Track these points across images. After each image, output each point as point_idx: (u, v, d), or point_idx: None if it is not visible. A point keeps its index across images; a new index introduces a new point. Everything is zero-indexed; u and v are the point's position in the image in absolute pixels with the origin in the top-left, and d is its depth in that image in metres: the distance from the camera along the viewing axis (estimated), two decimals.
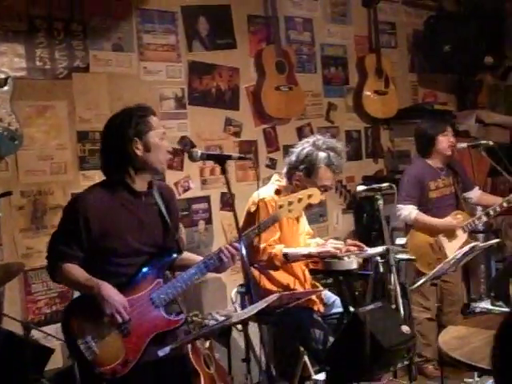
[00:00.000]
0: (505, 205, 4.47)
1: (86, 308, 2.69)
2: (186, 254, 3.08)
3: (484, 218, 4.56)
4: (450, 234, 4.51)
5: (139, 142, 2.73)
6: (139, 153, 2.74)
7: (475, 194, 4.82)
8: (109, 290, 2.64)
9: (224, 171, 2.82)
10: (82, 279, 2.70)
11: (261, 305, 2.48)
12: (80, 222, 2.69)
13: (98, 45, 4.30)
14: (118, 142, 2.75)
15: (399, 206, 4.48)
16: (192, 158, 2.86)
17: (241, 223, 3.82)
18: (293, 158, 3.75)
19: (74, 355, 2.74)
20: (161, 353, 2.52)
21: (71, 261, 2.71)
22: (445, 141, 4.57)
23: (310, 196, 2.97)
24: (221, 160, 2.85)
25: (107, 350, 2.65)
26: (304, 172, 3.67)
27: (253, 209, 3.60)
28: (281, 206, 2.92)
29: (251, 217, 3.67)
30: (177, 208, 3.11)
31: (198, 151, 2.84)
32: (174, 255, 2.89)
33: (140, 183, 2.80)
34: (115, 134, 2.77)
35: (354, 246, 3.74)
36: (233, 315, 2.58)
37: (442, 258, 4.33)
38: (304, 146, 3.74)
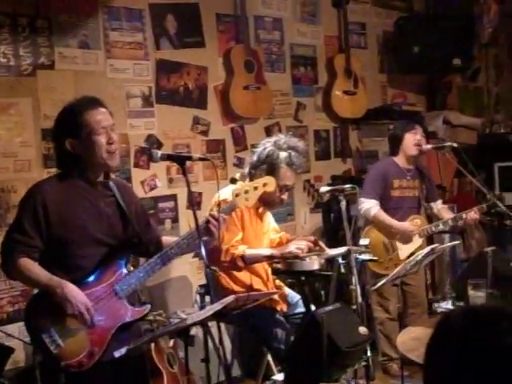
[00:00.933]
0: (463, 216, 4.55)
1: (48, 302, 2.67)
2: (166, 239, 3.11)
3: (441, 226, 4.61)
4: (408, 237, 4.55)
5: (73, 142, 2.75)
6: (76, 151, 2.75)
7: (437, 206, 4.86)
8: (72, 291, 2.64)
9: (184, 172, 2.83)
10: (44, 278, 2.68)
11: (217, 306, 2.49)
12: (39, 210, 2.69)
13: (63, 42, 4.26)
14: (56, 142, 2.83)
15: (362, 199, 4.51)
16: (152, 159, 2.88)
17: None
18: (254, 157, 3.77)
19: (39, 350, 2.74)
20: (117, 353, 2.53)
21: (30, 253, 2.70)
22: (410, 139, 4.60)
23: (265, 184, 3.00)
24: (181, 161, 2.86)
25: (72, 343, 2.65)
26: (265, 172, 3.67)
27: (214, 209, 3.61)
28: (237, 195, 2.93)
29: None
30: (137, 201, 3.12)
31: (158, 152, 2.85)
32: (138, 246, 2.91)
33: (94, 175, 2.82)
34: (53, 134, 2.87)
35: (314, 243, 3.73)
36: (189, 317, 2.58)
37: (393, 259, 4.38)
38: (265, 146, 3.75)
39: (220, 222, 2.85)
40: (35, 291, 2.92)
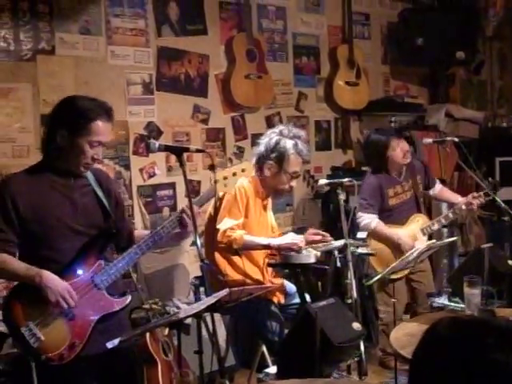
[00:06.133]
0: (463, 207, 4.52)
1: (28, 294, 2.63)
2: (139, 232, 3.11)
3: (443, 221, 4.59)
4: (412, 236, 4.52)
5: (65, 136, 2.67)
6: (61, 143, 2.68)
7: (435, 190, 4.85)
8: (51, 277, 2.60)
9: (181, 163, 2.81)
10: (22, 270, 2.64)
11: (210, 300, 2.48)
12: (8, 204, 2.65)
13: (64, 27, 4.24)
14: (49, 126, 2.75)
15: (360, 213, 4.51)
16: (150, 150, 2.86)
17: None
18: (262, 148, 3.79)
19: (18, 343, 2.67)
20: (110, 345, 2.49)
21: (7, 248, 2.66)
22: (396, 153, 4.54)
23: (243, 170, 2.93)
24: (178, 152, 2.85)
25: (52, 336, 2.61)
26: (275, 160, 3.73)
27: (221, 194, 3.62)
28: (216, 181, 2.90)
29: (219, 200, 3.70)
30: (116, 190, 3.05)
31: (156, 143, 2.83)
32: (116, 237, 2.86)
33: (67, 167, 2.75)
34: (51, 118, 2.77)
35: (316, 234, 3.77)
36: (181, 310, 2.57)
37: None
38: (271, 136, 3.80)
39: (194, 214, 2.77)
40: (14, 284, 2.85)
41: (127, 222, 3.10)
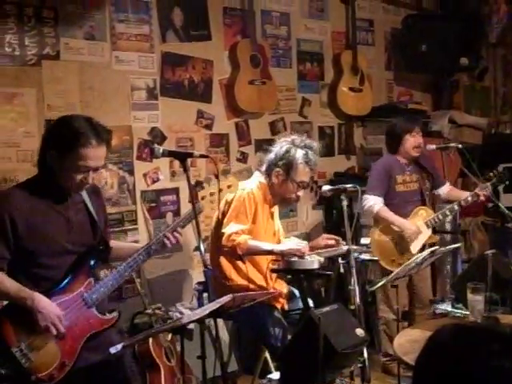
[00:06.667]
0: (469, 199, 4.53)
1: (18, 314, 2.58)
2: (117, 244, 3.08)
3: (447, 213, 4.60)
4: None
5: (55, 157, 2.62)
6: (50, 163, 2.64)
7: (444, 190, 4.85)
8: (43, 302, 2.57)
9: (185, 168, 2.81)
10: (13, 290, 2.59)
11: (213, 306, 2.49)
12: (5, 221, 2.59)
13: (69, 32, 4.26)
14: (42, 144, 2.70)
15: (366, 195, 4.50)
16: (154, 155, 2.87)
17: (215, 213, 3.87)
18: (272, 155, 3.83)
19: (8, 363, 2.56)
20: (113, 350, 2.50)
21: None
22: (410, 141, 4.59)
23: (229, 186, 2.98)
24: (182, 157, 2.85)
25: (43, 356, 2.57)
26: (283, 168, 3.76)
27: (229, 197, 3.64)
28: (203, 198, 2.90)
29: (227, 205, 3.72)
30: (104, 206, 3.03)
31: (160, 148, 2.84)
32: (104, 252, 2.85)
33: (60, 186, 2.70)
34: (45, 137, 2.72)
35: (332, 239, 3.80)
36: (184, 316, 2.57)
37: (406, 255, 4.36)
38: (282, 144, 3.83)
39: (197, 220, 2.78)
40: (4, 303, 2.78)
41: (108, 234, 3.07)
